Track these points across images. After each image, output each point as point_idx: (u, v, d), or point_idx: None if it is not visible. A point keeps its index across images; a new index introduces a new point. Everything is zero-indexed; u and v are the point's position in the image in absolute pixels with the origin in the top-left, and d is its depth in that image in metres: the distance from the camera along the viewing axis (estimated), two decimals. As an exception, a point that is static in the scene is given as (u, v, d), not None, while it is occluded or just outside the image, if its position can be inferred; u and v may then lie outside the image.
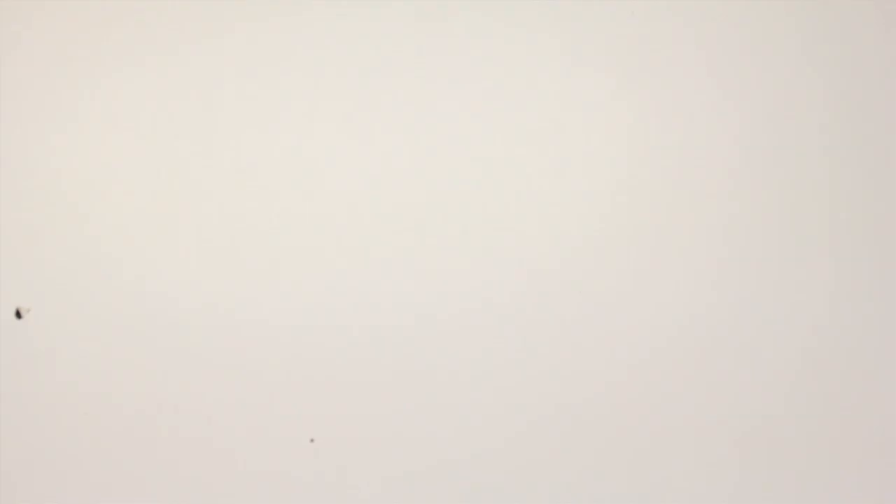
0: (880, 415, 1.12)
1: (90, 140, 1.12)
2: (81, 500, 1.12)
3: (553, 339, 1.13)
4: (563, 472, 1.11)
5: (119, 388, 1.12)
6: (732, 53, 1.16)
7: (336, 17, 1.13)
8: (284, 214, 1.14)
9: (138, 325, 1.12)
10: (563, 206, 1.14)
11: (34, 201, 1.08)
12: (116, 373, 1.12)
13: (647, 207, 1.13)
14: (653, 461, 1.14)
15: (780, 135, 1.17)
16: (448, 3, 1.13)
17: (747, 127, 1.16)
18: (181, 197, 1.13)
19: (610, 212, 1.14)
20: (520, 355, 1.13)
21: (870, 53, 1.16)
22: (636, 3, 1.15)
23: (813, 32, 1.17)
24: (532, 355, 1.13)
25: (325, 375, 1.11)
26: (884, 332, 1.12)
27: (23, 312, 1.05)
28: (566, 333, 1.13)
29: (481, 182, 1.15)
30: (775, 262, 1.14)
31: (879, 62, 1.17)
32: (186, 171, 1.14)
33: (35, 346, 1.08)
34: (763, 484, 1.12)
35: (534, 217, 1.14)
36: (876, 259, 1.12)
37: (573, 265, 1.13)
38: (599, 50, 1.15)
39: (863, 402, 1.12)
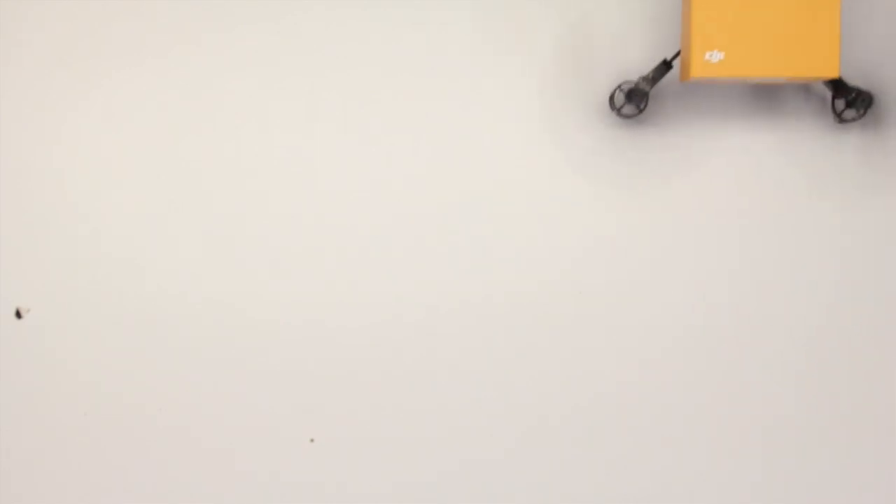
0: (882, 415, 1.12)
1: (90, 140, 1.12)
2: (81, 499, 1.12)
3: (554, 340, 1.14)
4: (564, 472, 1.12)
5: (119, 387, 1.12)
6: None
7: (337, 18, 1.13)
8: (284, 215, 1.14)
9: (138, 325, 1.13)
10: (564, 206, 1.14)
11: (34, 201, 1.09)
12: (116, 373, 1.12)
13: (649, 208, 1.14)
14: (656, 462, 1.14)
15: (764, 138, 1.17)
16: (449, 5, 1.14)
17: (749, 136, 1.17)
18: (181, 197, 1.14)
19: (612, 211, 1.14)
20: (522, 356, 1.13)
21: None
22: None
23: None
24: (533, 356, 1.13)
25: (325, 376, 1.12)
26: (885, 332, 1.13)
27: (23, 312, 1.05)
28: (567, 334, 1.14)
29: (481, 182, 1.15)
30: (776, 261, 1.14)
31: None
32: (186, 172, 1.14)
33: (35, 346, 1.08)
34: (761, 483, 1.13)
35: (535, 217, 1.14)
36: (877, 259, 1.13)
37: (576, 265, 1.14)
38: (600, 52, 1.16)
39: (865, 402, 1.13)
